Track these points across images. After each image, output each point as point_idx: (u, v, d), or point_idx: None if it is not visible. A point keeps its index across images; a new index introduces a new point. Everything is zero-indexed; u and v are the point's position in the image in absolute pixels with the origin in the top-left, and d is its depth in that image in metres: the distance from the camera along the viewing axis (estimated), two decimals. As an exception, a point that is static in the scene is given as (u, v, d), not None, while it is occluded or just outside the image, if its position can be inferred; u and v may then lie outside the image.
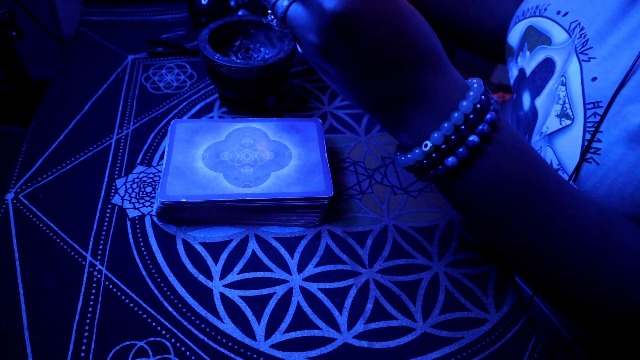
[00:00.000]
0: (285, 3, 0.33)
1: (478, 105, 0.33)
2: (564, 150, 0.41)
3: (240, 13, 0.69)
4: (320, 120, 0.53)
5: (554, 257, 0.36)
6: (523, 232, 0.36)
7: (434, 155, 0.34)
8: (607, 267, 0.36)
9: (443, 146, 0.34)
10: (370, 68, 0.32)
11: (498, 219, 0.36)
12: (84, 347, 0.39)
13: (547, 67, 0.46)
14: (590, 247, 0.36)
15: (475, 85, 0.34)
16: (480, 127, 0.33)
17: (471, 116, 0.33)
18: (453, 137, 0.33)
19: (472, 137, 0.33)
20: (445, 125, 0.33)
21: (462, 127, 0.33)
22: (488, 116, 0.33)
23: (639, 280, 0.35)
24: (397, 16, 0.31)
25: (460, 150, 0.34)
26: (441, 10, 0.64)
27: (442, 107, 0.34)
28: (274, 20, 0.36)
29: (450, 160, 0.34)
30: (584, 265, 0.36)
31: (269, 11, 0.35)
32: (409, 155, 0.36)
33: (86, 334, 0.39)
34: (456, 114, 0.33)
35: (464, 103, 0.33)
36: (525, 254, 0.38)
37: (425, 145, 0.34)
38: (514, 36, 0.53)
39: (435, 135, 0.34)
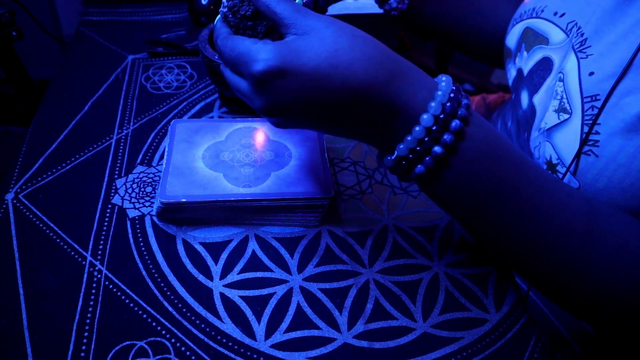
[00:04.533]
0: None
1: (441, 116, 0.33)
2: (563, 144, 0.41)
3: (240, 13, 0.69)
4: (320, 120, 0.53)
5: (538, 254, 0.37)
6: (502, 231, 0.37)
7: (403, 162, 0.35)
8: (595, 260, 0.36)
9: (410, 156, 0.35)
10: (321, 122, 0.36)
11: (476, 220, 0.38)
12: (84, 347, 0.39)
13: (544, 66, 0.47)
14: (575, 241, 0.36)
15: (439, 93, 0.33)
16: (444, 137, 0.33)
17: (434, 128, 0.33)
18: (418, 148, 0.34)
19: (437, 148, 0.34)
20: (408, 138, 0.34)
21: (426, 138, 0.34)
22: (453, 125, 0.33)
23: (628, 270, 0.36)
24: (314, 80, 0.32)
25: (427, 159, 0.34)
26: (439, 17, 0.64)
27: (405, 121, 0.34)
28: None
29: (419, 168, 0.35)
30: (571, 260, 0.36)
31: None
32: (383, 161, 0.37)
33: (86, 334, 0.39)
34: (417, 128, 0.33)
35: (425, 116, 0.33)
36: (508, 250, 0.39)
37: (393, 154, 0.36)
38: (512, 38, 0.54)
39: (401, 146, 0.35)
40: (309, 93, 0.33)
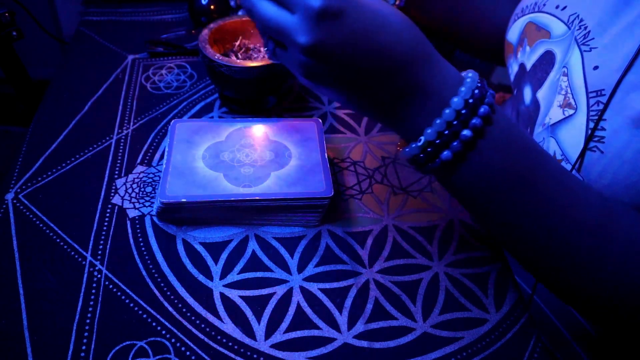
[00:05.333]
0: (271, 46, 0.37)
1: (471, 100, 0.34)
2: (568, 140, 0.41)
3: (240, 13, 0.69)
4: (320, 120, 0.53)
5: (553, 246, 0.37)
6: (519, 222, 0.37)
7: (429, 149, 0.35)
8: (608, 256, 0.36)
9: (437, 141, 0.35)
10: (355, 83, 0.35)
11: (494, 210, 0.37)
12: (84, 347, 0.39)
13: (547, 60, 0.46)
14: (590, 235, 0.36)
15: (469, 80, 0.35)
16: (473, 121, 0.34)
17: (463, 111, 0.34)
18: (446, 132, 0.34)
19: (465, 132, 0.34)
20: (438, 121, 0.34)
21: (455, 122, 0.34)
22: (481, 110, 0.34)
23: (639, 270, 0.35)
24: (365, 33, 0.33)
25: (455, 144, 0.35)
26: (437, 15, 0.64)
27: (434, 104, 0.35)
28: (268, 55, 0.40)
29: (445, 154, 0.35)
30: (584, 254, 0.36)
31: (266, 49, 0.40)
32: (407, 150, 0.37)
33: (86, 334, 0.39)
34: (447, 111, 0.34)
35: (455, 99, 0.34)
36: (524, 243, 0.38)
37: (420, 141, 0.35)
38: (513, 33, 0.53)
39: (429, 131, 0.35)
40: (359, 42, 0.33)
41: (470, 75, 0.35)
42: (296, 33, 0.33)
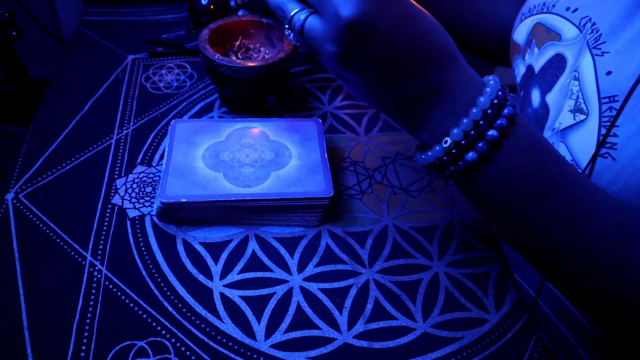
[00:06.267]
0: (302, 16, 0.35)
1: (495, 101, 0.34)
2: (578, 146, 0.41)
3: (240, 13, 0.69)
4: (320, 120, 0.53)
5: (574, 253, 0.36)
6: (541, 227, 0.36)
7: (454, 151, 0.35)
8: (629, 262, 0.35)
9: (463, 142, 0.35)
10: (389, 71, 0.34)
11: (517, 214, 0.37)
12: (84, 347, 0.39)
13: (557, 63, 0.46)
14: (611, 241, 0.36)
15: (492, 82, 0.35)
16: (499, 121, 0.34)
17: (489, 111, 0.34)
18: (472, 132, 0.34)
19: (491, 132, 0.34)
20: (465, 121, 0.34)
21: (481, 122, 0.34)
22: (505, 111, 0.34)
23: None
24: (410, 18, 0.33)
25: (480, 144, 0.34)
26: (436, 15, 0.63)
27: (460, 104, 0.35)
28: (291, 35, 0.38)
29: (470, 155, 0.35)
30: (605, 261, 0.36)
31: (286, 26, 0.37)
32: (429, 153, 0.36)
33: (86, 334, 0.39)
34: (474, 110, 0.34)
35: (482, 99, 0.34)
36: (545, 249, 0.38)
37: (445, 142, 0.35)
38: (520, 33, 0.53)
39: (455, 131, 0.35)
40: (403, 25, 0.33)
41: (492, 78, 0.36)
42: (341, 2, 0.31)
